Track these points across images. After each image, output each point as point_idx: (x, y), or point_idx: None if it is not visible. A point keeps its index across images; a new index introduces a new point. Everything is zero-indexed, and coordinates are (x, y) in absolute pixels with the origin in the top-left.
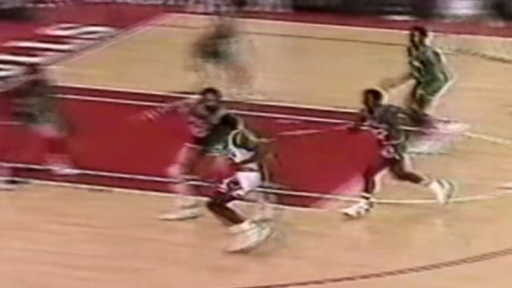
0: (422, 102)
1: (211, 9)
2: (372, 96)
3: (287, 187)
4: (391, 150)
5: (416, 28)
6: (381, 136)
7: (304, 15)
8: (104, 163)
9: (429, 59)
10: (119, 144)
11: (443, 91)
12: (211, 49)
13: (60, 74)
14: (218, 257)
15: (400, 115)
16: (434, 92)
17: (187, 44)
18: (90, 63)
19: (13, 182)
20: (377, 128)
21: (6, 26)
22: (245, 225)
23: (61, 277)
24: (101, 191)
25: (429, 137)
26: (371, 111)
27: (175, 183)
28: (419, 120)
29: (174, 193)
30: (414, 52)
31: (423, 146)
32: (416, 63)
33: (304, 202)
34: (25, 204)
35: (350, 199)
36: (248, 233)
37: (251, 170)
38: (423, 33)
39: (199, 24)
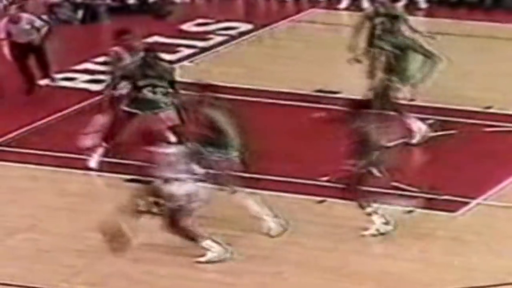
0: (391, 89)
1: (352, 4)
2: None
3: (427, 191)
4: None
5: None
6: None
7: (441, 10)
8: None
9: (403, 45)
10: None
11: (435, 74)
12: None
13: (195, 71)
14: (367, 263)
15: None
16: (406, 80)
17: (330, 40)
18: (226, 60)
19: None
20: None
21: (144, 21)
22: (208, 242)
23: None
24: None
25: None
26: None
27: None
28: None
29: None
30: (387, 37)
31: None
32: (389, 48)
33: (446, 207)
34: None
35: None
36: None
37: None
38: (395, 18)
39: (340, 20)
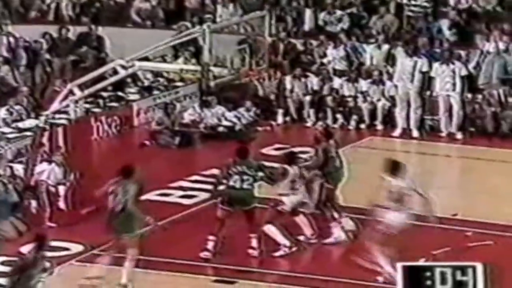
0: None
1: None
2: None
3: None
4: None
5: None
6: None
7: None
8: None
9: None
10: None
11: None
12: None
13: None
14: None
15: None
16: None
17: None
18: None
19: None
20: None
21: (231, 146)
22: None
23: None
24: None
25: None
26: None
27: None
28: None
29: None
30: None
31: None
32: None
33: None
34: None
35: None
36: None
37: None
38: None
39: (393, 146)
